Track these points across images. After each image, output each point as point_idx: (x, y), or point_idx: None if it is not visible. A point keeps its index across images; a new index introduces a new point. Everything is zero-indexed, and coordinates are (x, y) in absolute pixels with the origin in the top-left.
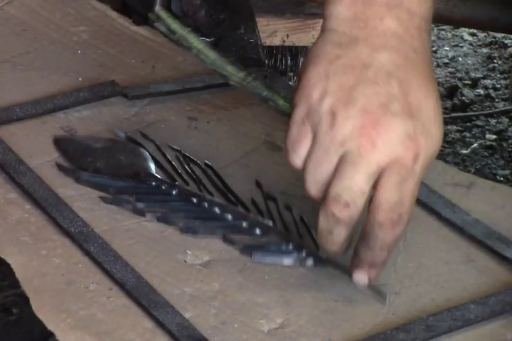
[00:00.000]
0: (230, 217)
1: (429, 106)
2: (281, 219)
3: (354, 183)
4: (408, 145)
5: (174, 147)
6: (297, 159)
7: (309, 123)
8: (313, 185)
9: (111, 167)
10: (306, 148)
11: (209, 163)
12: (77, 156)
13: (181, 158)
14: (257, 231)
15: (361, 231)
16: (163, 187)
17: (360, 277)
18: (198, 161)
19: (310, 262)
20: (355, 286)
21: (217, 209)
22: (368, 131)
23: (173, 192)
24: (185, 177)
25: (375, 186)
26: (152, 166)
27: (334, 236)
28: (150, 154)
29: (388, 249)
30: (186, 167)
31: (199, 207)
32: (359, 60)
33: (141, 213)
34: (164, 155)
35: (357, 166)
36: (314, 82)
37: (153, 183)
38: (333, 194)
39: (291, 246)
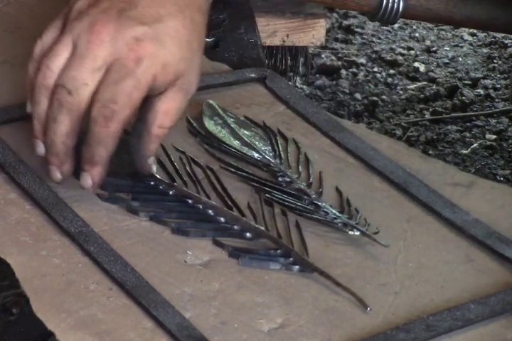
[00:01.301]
0: (222, 219)
1: (171, 24)
2: (275, 225)
3: (78, 74)
4: (133, 47)
5: (179, 148)
6: (37, 48)
7: (62, 21)
8: (46, 72)
9: (112, 165)
10: (49, 39)
11: (211, 166)
12: (79, 153)
13: (184, 160)
14: (248, 235)
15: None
16: (160, 187)
17: (84, 179)
18: (201, 163)
19: (296, 269)
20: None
21: (211, 212)
22: (98, 28)
23: (170, 193)
24: (185, 178)
25: None
26: (154, 166)
27: (57, 124)
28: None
29: (103, 145)
30: (187, 168)
31: (193, 209)
32: None
33: (134, 212)
34: (168, 156)
35: (83, 59)
36: None
37: (152, 183)
38: (60, 82)
39: (279, 252)
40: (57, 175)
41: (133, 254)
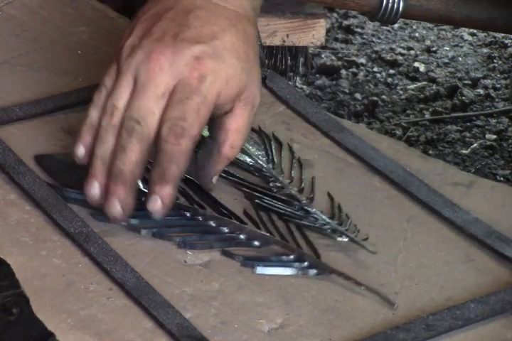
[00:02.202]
0: (226, 229)
1: (226, 38)
2: (277, 230)
3: (143, 104)
4: (194, 66)
5: None
6: (102, 94)
7: (116, 63)
8: (112, 111)
9: None
10: (111, 83)
11: (192, 178)
12: (61, 175)
13: None
14: (256, 243)
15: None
16: None
17: (152, 202)
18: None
19: (313, 272)
20: (355, 287)
21: (212, 223)
22: (156, 56)
23: None
24: None
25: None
26: (139, 181)
27: (127, 152)
28: None
29: (175, 162)
30: None
31: (194, 221)
32: (164, 7)
33: (136, 230)
34: (149, 171)
35: (146, 88)
36: (127, 32)
37: (143, 198)
38: (127, 114)
39: (292, 257)
40: (118, 208)
41: (133, 254)
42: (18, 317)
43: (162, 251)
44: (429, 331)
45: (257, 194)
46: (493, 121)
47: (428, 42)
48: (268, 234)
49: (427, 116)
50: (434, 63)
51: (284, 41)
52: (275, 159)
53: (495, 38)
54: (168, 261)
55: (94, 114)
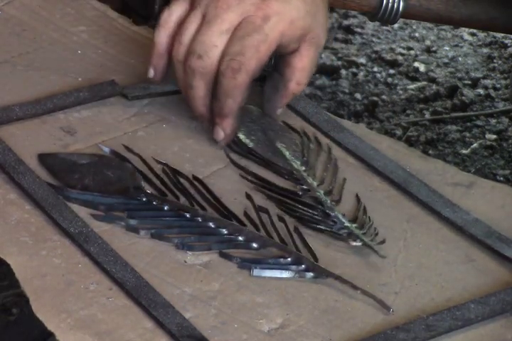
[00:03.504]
0: (225, 231)
1: None
2: (276, 232)
3: (207, 38)
4: (259, 6)
5: (160, 160)
6: (164, 15)
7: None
8: (178, 47)
9: (99, 183)
10: (179, 10)
11: (197, 176)
12: (63, 173)
13: (169, 172)
14: (254, 245)
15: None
16: (154, 203)
17: (216, 132)
18: (186, 174)
19: (309, 275)
20: (352, 291)
21: (211, 224)
22: None
23: (165, 208)
24: (176, 191)
25: None
26: (140, 181)
27: (194, 89)
28: (136, 168)
29: (231, 96)
30: (175, 181)
31: (193, 222)
32: None
33: (134, 230)
34: (151, 169)
35: (211, 23)
36: None
37: (144, 199)
38: (190, 49)
39: (289, 260)
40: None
41: (133, 254)
42: (18, 317)
43: (162, 251)
44: (429, 331)
45: (281, 198)
46: (493, 121)
47: (428, 42)
48: (267, 237)
49: (427, 116)
50: (434, 63)
51: None
52: (310, 161)
53: (495, 37)
54: (168, 261)
55: (161, 38)
